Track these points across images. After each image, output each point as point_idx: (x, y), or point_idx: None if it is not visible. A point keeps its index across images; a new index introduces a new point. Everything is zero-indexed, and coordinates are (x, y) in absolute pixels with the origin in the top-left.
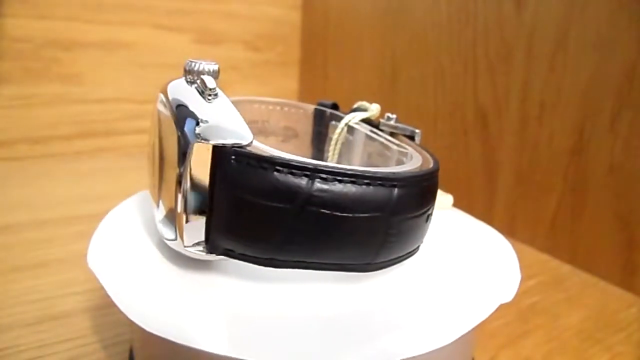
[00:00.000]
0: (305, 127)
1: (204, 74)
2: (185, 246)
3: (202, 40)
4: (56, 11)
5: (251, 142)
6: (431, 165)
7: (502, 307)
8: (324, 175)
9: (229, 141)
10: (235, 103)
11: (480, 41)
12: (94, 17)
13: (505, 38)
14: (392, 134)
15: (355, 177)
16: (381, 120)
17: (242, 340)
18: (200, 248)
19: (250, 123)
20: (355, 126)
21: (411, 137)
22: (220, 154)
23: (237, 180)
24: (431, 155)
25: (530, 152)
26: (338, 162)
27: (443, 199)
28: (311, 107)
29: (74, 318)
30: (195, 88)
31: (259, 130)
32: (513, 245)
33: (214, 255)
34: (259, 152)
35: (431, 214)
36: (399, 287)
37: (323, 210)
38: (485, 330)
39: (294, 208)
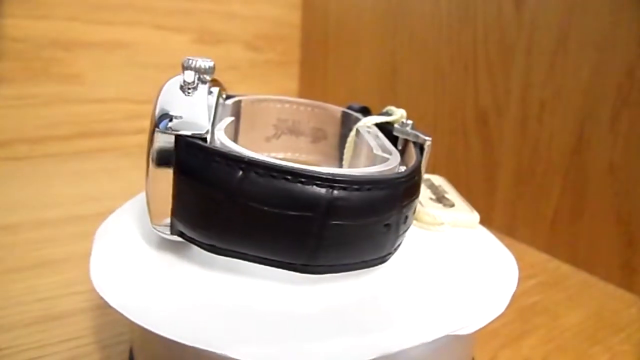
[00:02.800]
0: (334, 130)
1: (195, 70)
2: (152, 225)
3: (202, 40)
4: (56, 11)
5: (206, 132)
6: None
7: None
8: (258, 170)
9: (186, 132)
10: (266, 101)
11: (480, 41)
12: (94, 17)
13: (505, 38)
14: (406, 141)
15: (290, 174)
16: (395, 126)
17: (227, 336)
18: (166, 228)
19: (281, 122)
20: (362, 130)
21: (419, 145)
22: (177, 143)
23: (184, 167)
24: (415, 164)
25: (530, 152)
26: (350, 165)
27: (467, 217)
28: (340, 110)
29: (74, 318)
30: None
31: (289, 130)
32: (513, 245)
33: (175, 236)
34: (202, 143)
35: (392, 223)
36: (361, 291)
37: (251, 204)
38: (485, 330)
39: (227, 198)
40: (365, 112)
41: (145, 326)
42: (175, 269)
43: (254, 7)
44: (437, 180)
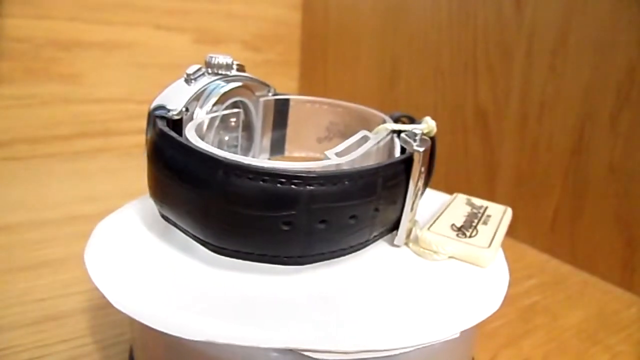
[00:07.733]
0: None
1: (207, 65)
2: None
3: (202, 40)
4: (56, 11)
5: (178, 113)
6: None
7: (502, 307)
8: (179, 149)
9: (159, 112)
10: (319, 103)
11: (480, 41)
12: (94, 17)
13: (505, 38)
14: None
15: (199, 156)
16: (402, 135)
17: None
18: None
19: (333, 125)
20: (357, 135)
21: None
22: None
23: (149, 140)
24: (357, 170)
25: (530, 152)
26: None
27: (469, 251)
28: (381, 116)
29: (74, 318)
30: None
31: (341, 133)
32: (513, 246)
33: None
34: (158, 121)
35: (295, 222)
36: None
37: (174, 178)
38: (485, 330)
39: (162, 173)
40: (410, 119)
41: (135, 317)
42: (166, 258)
43: (254, 7)
44: (497, 210)
